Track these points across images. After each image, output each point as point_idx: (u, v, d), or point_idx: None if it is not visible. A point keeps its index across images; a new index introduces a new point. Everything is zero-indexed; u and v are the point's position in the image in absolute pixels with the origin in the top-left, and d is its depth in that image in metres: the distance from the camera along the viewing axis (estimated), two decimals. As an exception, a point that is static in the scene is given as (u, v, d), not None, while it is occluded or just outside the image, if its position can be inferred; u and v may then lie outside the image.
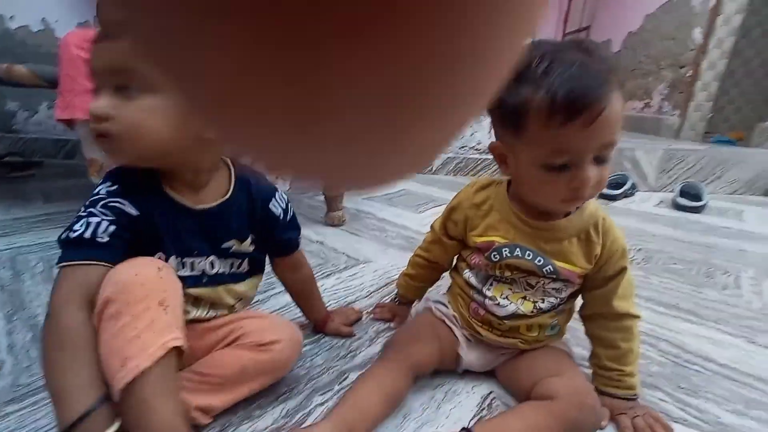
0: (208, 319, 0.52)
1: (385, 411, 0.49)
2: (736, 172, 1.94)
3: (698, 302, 0.84)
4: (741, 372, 0.62)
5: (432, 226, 0.64)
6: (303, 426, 0.48)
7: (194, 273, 0.49)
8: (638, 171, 1.90)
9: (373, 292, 0.83)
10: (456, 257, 0.63)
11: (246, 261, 0.54)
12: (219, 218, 0.49)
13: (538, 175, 0.45)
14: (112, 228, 0.42)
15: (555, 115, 0.40)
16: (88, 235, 0.41)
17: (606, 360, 0.53)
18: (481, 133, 2.13)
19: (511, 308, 0.53)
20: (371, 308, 0.76)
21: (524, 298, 0.54)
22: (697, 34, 2.32)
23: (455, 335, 0.58)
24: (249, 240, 0.53)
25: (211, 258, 0.50)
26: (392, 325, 0.71)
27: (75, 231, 0.41)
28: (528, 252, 0.51)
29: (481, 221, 0.55)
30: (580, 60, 0.41)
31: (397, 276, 0.89)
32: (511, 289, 0.54)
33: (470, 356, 0.57)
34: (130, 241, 0.43)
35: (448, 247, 0.61)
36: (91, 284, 0.39)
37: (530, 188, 0.49)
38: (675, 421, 0.51)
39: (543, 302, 0.53)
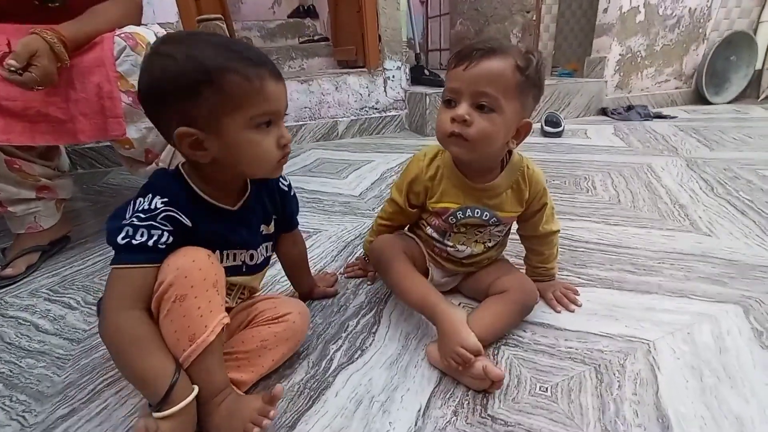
0: (231, 308, 0.58)
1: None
2: (577, 99, 2.43)
3: (574, 205, 1.13)
4: (605, 244, 0.91)
5: (393, 199, 0.71)
6: None
7: (235, 263, 0.55)
8: (511, 109, 2.25)
9: (336, 255, 0.93)
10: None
11: (272, 244, 0.61)
12: (252, 210, 0.55)
13: (440, 109, 0.60)
14: (171, 238, 0.45)
15: (450, 62, 0.58)
16: (151, 243, 0.44)
17: (536, 262, 0.74)
18: (377, 92, 2.24)
19: (467, 251, 0.69)
20: (342, 269, 0.86)
21: (476, 241, 0.69)
22: (536, -18, 2.69)
23: (424, 253, 0.72)
24: (272, 221, 0.60)
25: (251, 252, 0.56)
26: (368, 278, 0.82)
27: (138, 240, 0.43)
28: (476, 210, 0.65)
29: (436, 189, 0.66)
30: (488, 40, 0.56)
31: (351, 238, 1.01)
32: (465, 237, 0.68)
33: (436, 273, 0.73)
34: (180, 245, 0.47)
35: (410, 215, 0.71)
36: (148, 284, 0.44)
37: (437, 122, 0.60)
38: (576, 286, 0.75)
39: (490, 242, 0.70)
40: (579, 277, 0.79)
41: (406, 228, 0.78)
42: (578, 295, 0.72)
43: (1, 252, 0.89)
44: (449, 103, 0.58)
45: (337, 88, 2.14)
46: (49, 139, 0.84)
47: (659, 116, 2.34)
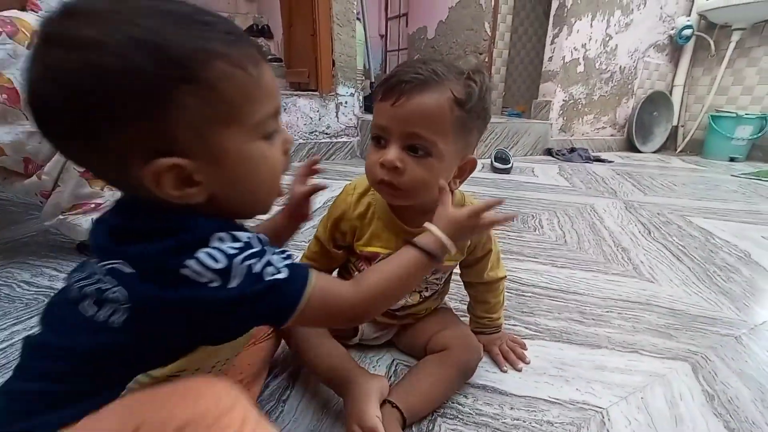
0: None
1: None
2: (525, 139, 2.52)
3: (521, 244, 1.09)
4: (553, 289, 0.85)
5: (317, 237, 0.59)
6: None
7: None
8: (463, 143, 2.28)
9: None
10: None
11: None
12: None
13: (369, 147, 0.50)
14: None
15: (376, 92, 0.48)
16: (295, 258, 0.35)
17: (479, 311, 0.65)
18: (329, 117, 2.17)
19: (401, 302, 0.58)
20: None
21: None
22: (487, 27, 2.84)
23: None
24: None
25: None
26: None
27: (283, 259, 0.32)
28: None
29: (366, 230, 0.55)
30: (420, 64, 0.45)
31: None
32: None
33: (366, 328, 0.62)
34: None
35: (337, 257, 0.59)
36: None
37: (366, 165, 0.50)
38: (524, 338, 0.67)
39: (427, 291, 0.60)
40: (527, 327, 0.71)
41: (335, 272, 0.66)
42: (526, 349, 0.64)
43: None
44: (378, 141, 0.47)
45: (285, 109, 2.03)
46: None
47: (598, 159, 2.48)
